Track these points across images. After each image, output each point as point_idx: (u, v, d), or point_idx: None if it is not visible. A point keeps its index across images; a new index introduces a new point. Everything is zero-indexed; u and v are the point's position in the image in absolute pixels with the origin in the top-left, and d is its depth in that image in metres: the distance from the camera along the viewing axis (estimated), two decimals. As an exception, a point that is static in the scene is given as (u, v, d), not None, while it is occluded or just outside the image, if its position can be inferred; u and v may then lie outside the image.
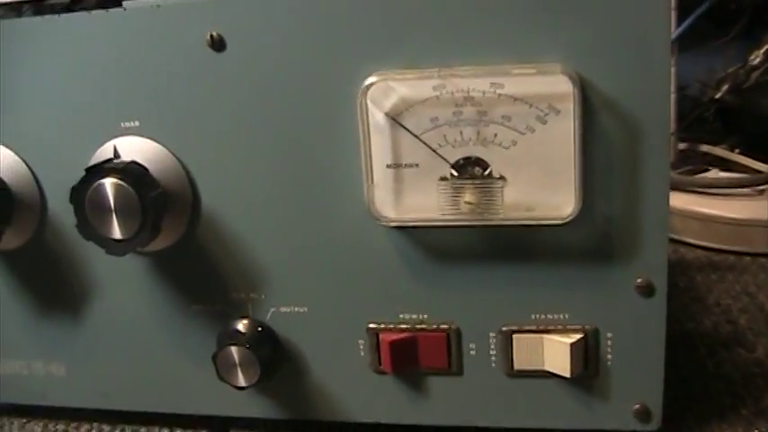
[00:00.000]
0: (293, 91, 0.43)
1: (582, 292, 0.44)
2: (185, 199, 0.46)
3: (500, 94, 0.41)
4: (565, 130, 0.40)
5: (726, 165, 0.87)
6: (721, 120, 0.99)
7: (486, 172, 0.42)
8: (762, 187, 0.77)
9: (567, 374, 0.44)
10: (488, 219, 0.42)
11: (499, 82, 0.41)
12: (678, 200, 0.77)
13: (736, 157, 0.88)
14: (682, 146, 0.92)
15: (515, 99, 0.41)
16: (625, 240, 0.42)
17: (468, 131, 0.42)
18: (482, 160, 0.42)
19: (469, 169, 0.42)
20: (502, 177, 0.42)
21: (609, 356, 0.44)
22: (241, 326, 0.47)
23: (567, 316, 0.44)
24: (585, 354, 0.44)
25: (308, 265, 0.46)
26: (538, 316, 0.45)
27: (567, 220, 0.41)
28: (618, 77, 0.40)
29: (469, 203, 0.42)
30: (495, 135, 0.42)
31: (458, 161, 0.42)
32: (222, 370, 0.46)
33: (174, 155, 0.45)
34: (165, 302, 0.48)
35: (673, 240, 0.77)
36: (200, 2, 0.43)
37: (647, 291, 0.43)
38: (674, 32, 0.81)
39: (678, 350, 0.56)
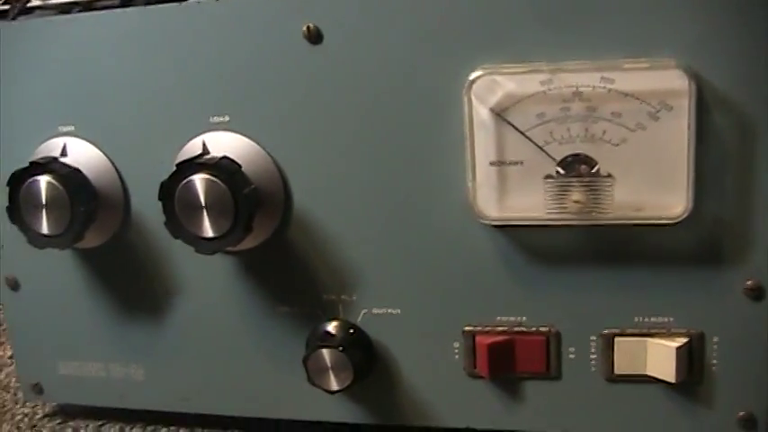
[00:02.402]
0: (392, 85, 0.42)
1: (688, 295, 0.42)
2: (277, 197, 0.45)
3: (610, 90, 0.39)
4: (677, 128, 0.39)
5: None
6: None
7: (594, 170, 0.41)
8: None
9: (673, 380, 0.42)
10: (596, 218, 0.41)
11: (610, 77, 0.39)
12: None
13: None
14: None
15: (626, 95, 0.39)
16: (735, 242, 0.41)
17: (575, 128, 0.40)
18: (589, 158, 0.41)
19: (576, 167, 0.41)
20: (610, 176, 0.41)
21: (714, 362, 0.43)
22: (332, 328, 0.46)
23: (671, 319, 0.43)
24: (690, 358, 0.43)
25: (403, 265, 0.45)
26: (641, 319, 0.43)
27: (678, 220, 0.40)
28: (733, 74, 0.39)
29: (578, 202, 0.41)
30: (604, 132, 0.40)
31: (564, 158, 0.41)
32: (313, 373, 0.44)
33: (266, 151, 0.44)
34: (250, 304, 0.47)
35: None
36: (296, -7, 0.42)
37: (757, 294, 0.41)
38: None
39: None
